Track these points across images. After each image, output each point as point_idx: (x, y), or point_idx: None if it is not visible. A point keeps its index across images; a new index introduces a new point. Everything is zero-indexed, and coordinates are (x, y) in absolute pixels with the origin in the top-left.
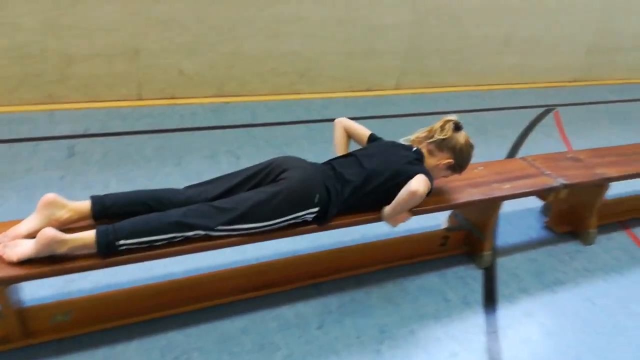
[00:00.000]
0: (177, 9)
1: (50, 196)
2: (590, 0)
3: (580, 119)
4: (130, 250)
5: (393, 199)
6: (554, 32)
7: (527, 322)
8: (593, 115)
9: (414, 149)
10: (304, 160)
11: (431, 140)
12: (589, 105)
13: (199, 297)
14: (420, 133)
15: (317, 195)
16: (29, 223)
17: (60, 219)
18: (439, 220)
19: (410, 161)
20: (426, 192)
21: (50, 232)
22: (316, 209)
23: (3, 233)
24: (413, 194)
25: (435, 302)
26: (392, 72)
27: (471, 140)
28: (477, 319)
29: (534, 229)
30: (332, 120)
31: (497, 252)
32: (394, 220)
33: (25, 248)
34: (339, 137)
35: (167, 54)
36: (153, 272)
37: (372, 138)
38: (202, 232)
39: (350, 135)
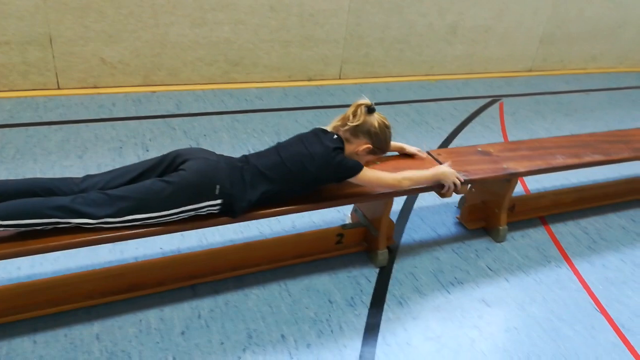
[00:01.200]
0: None
1: None
2: None
3: (525, 110)
4: (6, 232)
5: (316, 187)
6: (504, 21)
7: (410, 326)
8: (540, 107)
9: (335, 136)
10: (209, 152)
11: (346, 127)
12: (539, 96)
13: (54, 301)
14: (336, 121)
15: (218, 187)
16: None
17: None
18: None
19: (328, 148)
20: (370, 173)
21: None
22: (218, 201)
23: None
24: (386, 184)
25: (317, 305)
26: (333, 61)
27: (387, 121)
28: (358, 323)
29: (446, 225)
30: (262, 110)
31: (398, 250)
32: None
33: None
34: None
35: (84, 42)
36: (12, 274)
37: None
38: (91, 221)
39: None
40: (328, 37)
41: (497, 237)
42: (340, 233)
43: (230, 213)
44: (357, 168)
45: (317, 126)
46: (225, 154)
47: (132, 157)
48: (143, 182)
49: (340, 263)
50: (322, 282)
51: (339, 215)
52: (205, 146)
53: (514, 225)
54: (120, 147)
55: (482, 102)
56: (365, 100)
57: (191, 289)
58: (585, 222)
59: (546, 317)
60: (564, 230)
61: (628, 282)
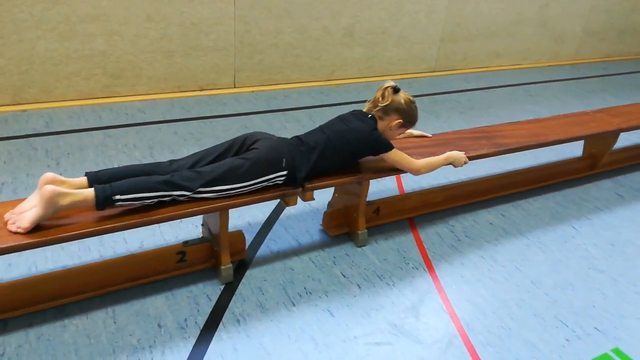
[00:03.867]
0: None
1: (49, 175)
2: None
3: (420, 111)
4: (123, 206)
5: (355, 160)
6: (400, 22)
7: (242, 346)
8: (437, 106)
9: (370, 115)
10: (269, 134)
11: (377, 108)
12: (438, 96)
13: None
14: (368, 104)
15: (284, 160)
16: (32, 200)
17: None
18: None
19: (366, 125)
20: (399, 155)
21: (51, 187)
22: (285, 172)
23: (10, 211)
24: (409, 167)
25: (143, 330)
26: (226, 70)
27: (411, 98)
28: (184, 347)
29: (310, 232)
30: (140, 124)
31: (252, 263)
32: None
33: (32, 212)
34: None
35: None
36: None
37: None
38: (186, 193)
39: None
40: (216, 46)
41: (358, 242)
42: (181, 251)
43: (293, 183)
44: (390, 146)
45: (213, 133)
46: (93, 169)
47: None
48: (224, 161)
49: (182, 283)
50: (155, 305)
51: (170, 230)
52: (66, 164)
53: (380, 229)
54: None
55: None
56: (390, 83)
57: (2, 323)
58: (454, 220)
59: (391, 324)
60: (431, 230)
61: (483, 279)
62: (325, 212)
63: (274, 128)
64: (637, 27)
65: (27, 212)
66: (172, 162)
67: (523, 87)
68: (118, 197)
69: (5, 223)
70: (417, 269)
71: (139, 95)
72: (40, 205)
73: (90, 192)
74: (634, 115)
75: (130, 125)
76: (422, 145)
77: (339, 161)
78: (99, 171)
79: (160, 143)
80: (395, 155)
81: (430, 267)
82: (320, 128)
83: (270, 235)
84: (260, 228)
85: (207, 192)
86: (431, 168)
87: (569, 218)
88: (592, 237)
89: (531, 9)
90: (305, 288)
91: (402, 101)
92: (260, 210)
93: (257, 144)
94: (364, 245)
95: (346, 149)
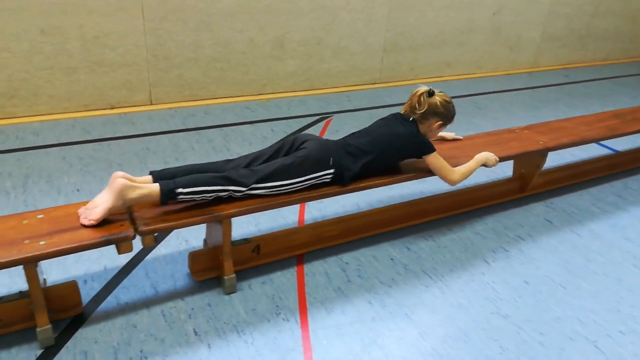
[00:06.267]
0: None
1: (119, 173)
2: None
3: (351, 127)
4: (185, 200)
5: (399, 161)
6: (335, 32)
7: None
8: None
9: (411, 118)
10: (316, 135)
11: (415, 115)
12: (380, 109)
13: None
14: (405, 108)
15: (332, 159)
16: (102, 197)
17: None
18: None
19: (409, 128)
20: (440, 160)
21: (122, 180)
22: (332, 171)
23: (83, 207)
24: (445, 176)
25: None
26: (139, 86)
27: (447, 97)
28: None
29: (175, 277)
30: (27, 149)
31: (87, 320)
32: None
33: (102, 205)
34: None
35: None
36: None
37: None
38: (242, 189)
39: None
40: (125, 61)
41: (224, 289)
42: None
43: (340, 181)
44: (433, 148)
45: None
46: None
47: None
48: (276, 160)
49: None
50: None
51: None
52: None
53: (260, 270)
54: None
55: (307, 121)
56: (424, 88)
57: None
58: (351, 256)
59: None
60: (320, 269)
61: (362, 330)
62: (190, 253)
63: (180, 149)
64: (599, 32)
65: (97, 207)
66: (227, 161)
67: (472, 98)
68: (180, 190)
69: (78, 217)
70: (288, 320)
71: (39, 115)
72: (111, 197)
73: (156, 186)
74: (567, 132)
75: (14, 151)
76: None
77: (384, 163)
78: (162, 170)
79: (40, 171)
80: (437, 160)
81: (304, 318)
82: (366, 130)
83: (125, 282)
84: (117, 273)
85: (261, 189)
86: (466, 177)
87: (484, 251)
88: (505, 273)
89: (482, 16)
90: (142, 351)
91: (439, 103)
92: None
93: (305, 144)
94: (233, 292)
95: (392, 151)
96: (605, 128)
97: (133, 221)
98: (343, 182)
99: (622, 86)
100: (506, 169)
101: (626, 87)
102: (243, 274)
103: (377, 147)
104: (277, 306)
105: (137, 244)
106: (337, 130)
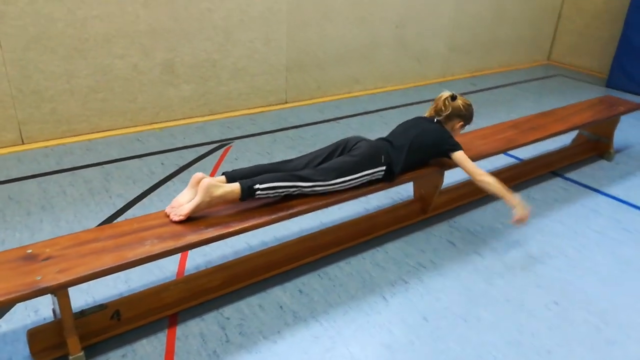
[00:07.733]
0: None
1: (199, 174)
2: (267, 12)
3: (253, 153)
4: (261, 198)
5: (432, 158)
6: (231, 53)
7: None
8: (276, 144)
9: (436, 119)
10: (362, 137)
11: (441, 116)
12: (288, 131)
13: None
14: (430, 111)
15: (383, 156)
16: (185, 196)
17: None
18: None
19: (438, 128)
20: (465, 156)
21: (208, 179)
22: (384, 167)
23: (169, 206)
24: (473, 172)
25: None
26: (6, 125)
27: (467, 101)
28: None
29: None
30: None
31: None
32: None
33: (191, 202)
34: None
35: None
36: None
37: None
38: (309, 184)
39: None
40: None
41: None
42: None
43: (389, 177)
44: (460, 146)
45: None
46: None
47: None
48: (334, 159)
49: None
50: None
51: None
52: None
53: (123, 339)
54: None
55: (204, 150)
56: (447, 93)
57: None
58: (234, 309)
59: None
60: (195, 330)
61: None
62: (28, 331)
63: (49, 194)
64: (502, 39)
65: (185, 205)
66: (285, 162)
67: (379, 113)
68: (258, 186)
69: (168, 216)
70: None
71: None
72: (199, 195)
73: (236, 185)
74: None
75: None
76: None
77: (421, 158)
78: (233, 170)
79: None
80: (463, 155)
81: None
82: (402, 131)
83: None
84: None
85: (324, 186)
86: (494, 185)
87: (382, 285)
88: (403, 310)
89: (386, 31)
90: None
91: (461, 106)
92: None
93: (358, 144)
94: None
95: (426, 148)
96: (502, 140)
97: None
98: (392, 177)
99: (525, 91)
100: (409, 190)
101: (528, 92)
102: (100, 347)
103: (414, 146)
104: None
105: None
106: (236, 158)
